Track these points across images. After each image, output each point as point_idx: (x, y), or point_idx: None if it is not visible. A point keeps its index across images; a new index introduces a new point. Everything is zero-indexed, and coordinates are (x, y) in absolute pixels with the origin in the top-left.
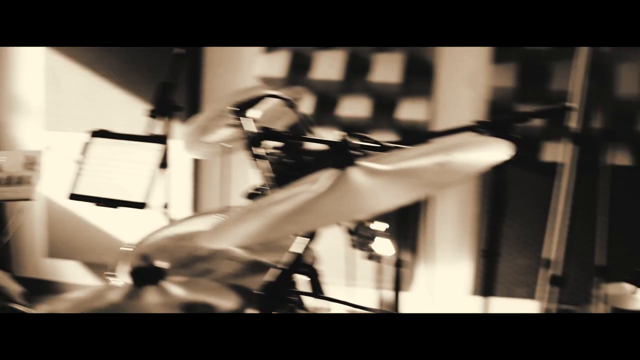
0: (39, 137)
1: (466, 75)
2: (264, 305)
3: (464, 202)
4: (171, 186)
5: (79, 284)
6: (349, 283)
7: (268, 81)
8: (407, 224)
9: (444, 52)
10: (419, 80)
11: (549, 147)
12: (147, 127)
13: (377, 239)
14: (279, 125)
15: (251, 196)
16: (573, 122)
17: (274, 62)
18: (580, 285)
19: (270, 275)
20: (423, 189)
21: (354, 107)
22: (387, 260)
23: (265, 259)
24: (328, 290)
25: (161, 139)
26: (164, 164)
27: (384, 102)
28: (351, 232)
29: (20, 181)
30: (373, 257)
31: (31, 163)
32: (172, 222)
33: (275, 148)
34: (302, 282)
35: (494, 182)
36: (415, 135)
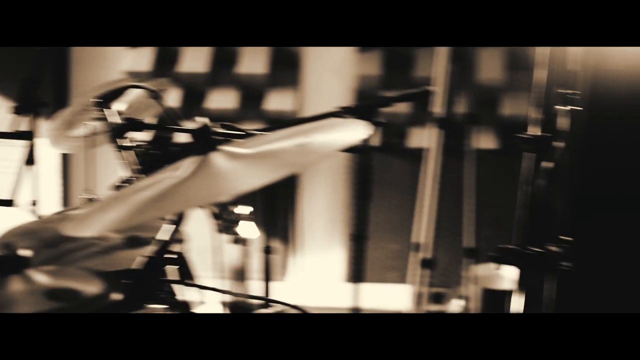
0: None
1: (332, 64)
2: (132, 293)
3: (334, 190)
4: (39, 183)
5: None
6: (219, 275)
7: (134, 75)
8: (276, 212)
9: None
10: (286, 70)
11: (414, 133)
12: (12, 124)
13: (241, 222)
14: (144, 117)
15: (118, 188)
16: (437, 107)
17: (139, 57)
18: (450, 268)
19: (137, 264)
20: (284, 170)
21: (222, 99)
22: (255, 246)
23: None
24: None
25: (27, 136)
26: (30, 161)
27: (252, 93)
28: (216, 216)
29: None
30: (238, 240)
31: None
32: (41, 218)
33: (142, 140)
34: (172, 270)
35: (360, 167)
36: (282, 124)
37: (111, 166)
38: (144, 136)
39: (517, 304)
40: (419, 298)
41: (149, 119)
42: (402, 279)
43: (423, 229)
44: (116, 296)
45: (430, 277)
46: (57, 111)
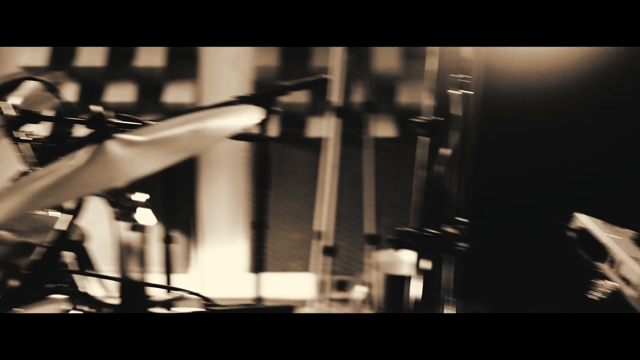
0: None
1: (230, 56)
2: (29, 282)
3: (235, 181)
4: None
5: None
6: (119, 265)
7: (31, 70)
8: (175, 202)
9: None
10: (184, 63)
11: (313, 123)
12: None
13: (138, 209)
14: (41, 110)
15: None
16: (334, 97)
17: (36, 52)
18: (353, 255)
19: (36, 254)
20: (178, 155)
21: (120, 93)
22: (154, 235)
23: (33, 239)
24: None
25: None
26: None
27: (150, 86)
28: (113, 204)
29: None
30: (136, 227)
31: None
32: None
33: (38, 133)
34: (71, 260)
35: (259, 157)
36: (178, 114)
37: (8, 159)
38: (40, 129)
39: (416, 289)
40: (322, 286)
41: (46, 112)
42: (305, 268)
43: (324, 217)
44: (14, 283)
45: (333, 265)
46: None
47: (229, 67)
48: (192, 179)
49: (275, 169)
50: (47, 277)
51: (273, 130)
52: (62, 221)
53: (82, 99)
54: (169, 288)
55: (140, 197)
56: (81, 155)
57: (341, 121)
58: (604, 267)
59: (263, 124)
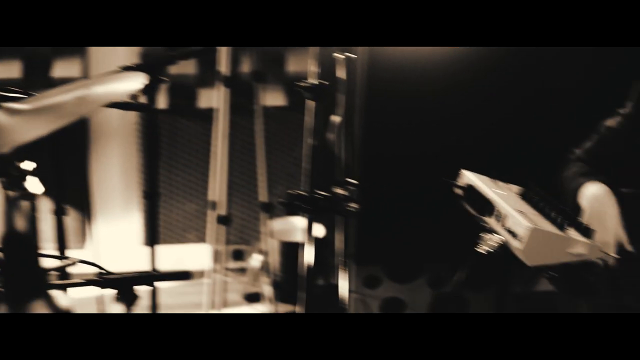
0: None
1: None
2: None
3: (127, 153)
4: None
5: None
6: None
7: None
8: (63, 173)
9: None
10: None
11: (203, 94)
12: None
13: (28, 177)
14: None
15: None
16: (223, 67)
17: None
18: (248, 224)
19: None
20: (63, 120)
21: (6, 70)
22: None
23: None
24: None
25: None
26: None
27: (37, 63)
28: (1, 173)
29: None
30: (26, 195)
31: None
32: None
33: None
34: None
35: (148, 127)
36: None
37: None
38: None
39: (309, 254)
40: (218, 256)
41: None
42: (201, 239)
43: (217, 187)
44: None
45: (228, 235)
46: None
47: None
48: (83, 151)
49: (167, 140)
50: None
51: (163, 101)
52: None
53: None
54: (62, 258)
55: (28, 165)
56: None
57: (230, 91)
58: (491, 221)
59: (152, 94)
